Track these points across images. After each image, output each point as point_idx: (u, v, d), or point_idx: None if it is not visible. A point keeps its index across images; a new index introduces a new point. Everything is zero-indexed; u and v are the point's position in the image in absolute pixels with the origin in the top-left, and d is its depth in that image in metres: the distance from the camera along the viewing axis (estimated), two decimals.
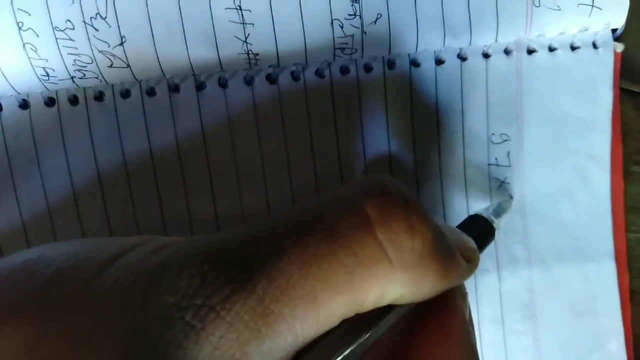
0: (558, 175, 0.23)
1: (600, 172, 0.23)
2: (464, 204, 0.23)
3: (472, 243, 0.17)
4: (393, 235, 0.13)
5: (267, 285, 0.12)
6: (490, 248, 0.23)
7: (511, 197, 0.23)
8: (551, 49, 0.22)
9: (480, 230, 0.19)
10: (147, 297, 0.12)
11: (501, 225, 0.21)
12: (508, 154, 0.23)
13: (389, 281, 0.13)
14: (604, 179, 0.23)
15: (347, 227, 0.13)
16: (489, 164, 0.23)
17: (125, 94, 0.21)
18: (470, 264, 0.16)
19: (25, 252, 0.15)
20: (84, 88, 0.20)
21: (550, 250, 0.23)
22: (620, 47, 0.22)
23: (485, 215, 0.20)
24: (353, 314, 0.13)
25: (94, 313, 0.12)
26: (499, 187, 0.23)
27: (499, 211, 0.21)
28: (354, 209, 0.13)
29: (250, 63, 0.20)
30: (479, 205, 0.23)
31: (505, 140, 0.23)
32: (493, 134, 0.23)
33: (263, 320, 0.12)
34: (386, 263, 0.13)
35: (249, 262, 0.12)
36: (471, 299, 0.23)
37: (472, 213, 0.21)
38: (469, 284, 0.23)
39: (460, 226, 0.19)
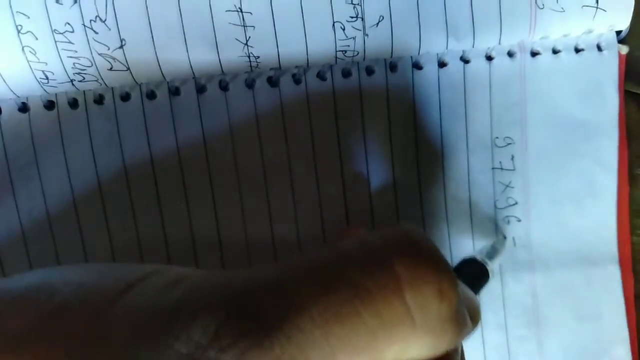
0: (563, 179, 0.22)
1: (607, 176, 0.23)
2: (467, 209, 0.23)
3: (477, 302, 0.17)
4: (421, 300, 0.12)
5: (285, 344, 0.11)
6: (492, 252, 0.23)
7: (505, 237, 0.23)
8: (555, 51, 0.22)
9: (475, 274, 0.19)
10: (159, 342, 0.11)
11: (496, 267, 0.20)
12: (512, 157, 0.22)
13: (409, 344, 0.12)
14: (611, 183, 0.23)
15: (375, 285, 0.12)
16: (493, 168, 0.23)
17: (126, 97, 0.21)
18: (474, 322, 0.15)
19: (28, 275, 0.14)
20: (84, 91, 0.20)
21: (554, 254, 0.23)
22: (624, 50, 0.22)
23: (479, 259, 0.20)
24: None
25: (101, 351, 0.11)
26: (503, 191, 0.23)
27: (493, 253, 0.21)
28: (383, 266, 0.12)
29: (251, 66, 0.20)
30: (483, 211, 0.23)
31: (510, 144, 0.22)
32: (497, 138, 0.22)
33: None
34: (410, 325, 0.12)
35: (267, 315, 0.11)
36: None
37: (465, 257, 0.20)
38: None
39: (456, 269, 0.19)
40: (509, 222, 0.23)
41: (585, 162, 0.22)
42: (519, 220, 0.23)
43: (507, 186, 0.23)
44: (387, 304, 0.12)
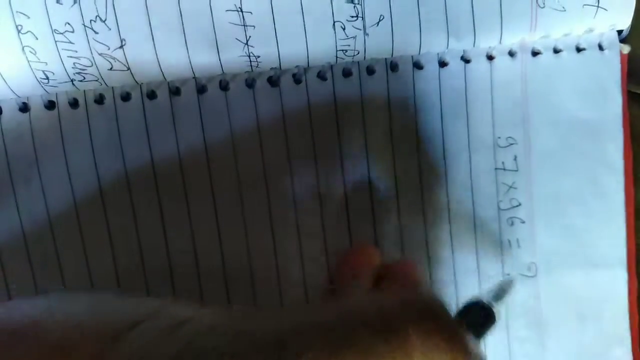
0: (567, 179, 0.22)
1: (613, 177, 0.22)
2: (471, 211, 0.23)
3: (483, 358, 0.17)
4: None
5: None
6: (495, 253, 0.23)
7: (512, 278, 0.22)
8: (556, 51, 0.22)
9: (481, 318, 0.18)
10: None
11: (502, 309, 0.20)
12: (515, 157, 0.22)
13: None
14: (617, 184, 0.22)
15: (387, 350, 0.12)
16: (495, 168, 0.22)
17: (126, 97, 0.21)
18: None
19: (28, 303, 0.14)
20: (84, 91, 0.20)
21: (558, 256, 0.23)
22: (626, 49, 0.22)
23: (486, 302, 0.19)
24: None
25: None
26: (507, 192, 0.23)
27: (500, 294, 0.21)
28: (397, 332, 0.12)
29: (251, 66, 0.20)
30: (487, 212, 0.23)
31: (512, 144, 0.22)
32: (499, 138, 0.22)
33: None
34: None
35: None
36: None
37: (471, 299, 0.20)
38: (473, 289, 0.23)
39: (461, 313, 0.19)
40: (512, 223, 0.23)
41: (589, 162, 0.22)
42: (523, 222, 0.23)
43: (511, 187, 0.23)
44: None
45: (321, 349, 0.12)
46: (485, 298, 0.20)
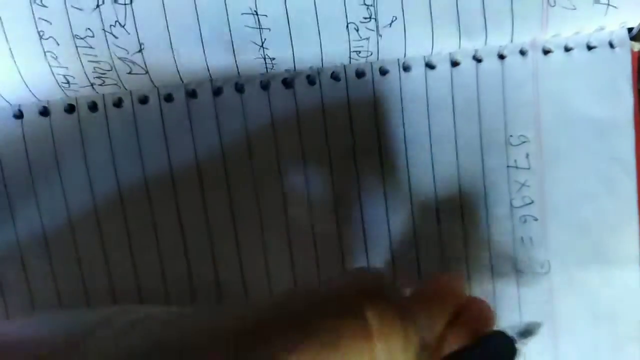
0: (580, 177, 0.22)
1: (625, 174, 0.22)
2: (484, 208, 0.23)
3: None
4: (390, 347, 0.13)
5: None
6: (508, 250, 0.23)
7: (540, 323, 0.22)
8: (567, 49, 0.22)
9: (502, 349, 0.19)
10: None
11: (524, 349, 0.20)
12: (527, 155, 0.22)
13: None
14: (630, 181, 0.22)
15: (349, 333, 0.13)
16: (508, 166, 0.23)
17: (144, 100, 0.21)
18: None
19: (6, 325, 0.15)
20: (103, 95, 0.21)
21: (571, 254, 0.23)
22: (637, 47, 0.22)
23: (509, 335, 0.20)
24: None
25: None
26: (519, 190, 0.23)
27: (526, 333, 0.21)
28: (355, 315, 0.13)
29: (266, 67, 0.20)
30: (499, 210, 0.23)
31: (524, 142, 0.22)
32: (511, 136, 0.22)
33: None
34: None
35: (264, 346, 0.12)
36: (489, 301, 0.23)
37: (496, 329, 0.20)
38: (487, 286, 0.23)
39: (483, 340, 0.18)
40: (525, 221, 0.23)
41: (601, 160, 0.22)
42: (536, 220, 0.23)
43: (523, 185, 0.23)
44: (359, 349, 0.13)
45: (291, 333, 0.13)
46: (511, 332, 0.20)
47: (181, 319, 0.14)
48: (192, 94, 0.21)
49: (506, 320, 0.23)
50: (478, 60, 0.22)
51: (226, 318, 0.14)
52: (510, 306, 0.23)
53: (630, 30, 0.22)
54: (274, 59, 0.20)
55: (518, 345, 0.19)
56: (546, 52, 0.22)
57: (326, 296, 0.14)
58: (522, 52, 0.22)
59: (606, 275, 0.23)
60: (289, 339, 0.13)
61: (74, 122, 0.21)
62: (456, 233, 0.23)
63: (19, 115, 0.21)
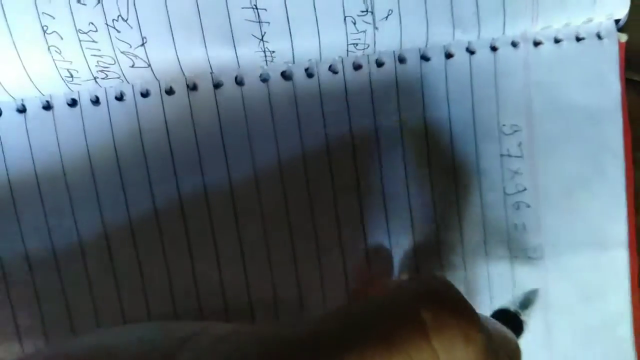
0: (571, 164, 0.23)
1: (613, 161, 0.23)
2: (478, 196, 0.23)
3: (514, 339, 0.18)
4: (448, 344, 0.13)
5: None
6: (502, 236, 0.24)
7: (537, 289, 0.23)
8: (557, 41, 0.23)
9: (509, 325, 0.19)
10: None
11: (529, 319, 0.21)
12: (520, 144, 0.23)
13: None
14: (618, 167, 0.23)
15: (405, 333, 0.13)
16: (501, 155, 0.23)
17: (145, 94, 0.21)
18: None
19: (87, 339, 0.15)
20: (105, 88, 0.21)
21: (564, 239, 0.24)
22: (624, 37, 0.23)
23: (512, 310, 0.20)
24: None
25: None
26: (512, 177, 0.23)
27: (527, 303, 0.22)
28: (410, 316, 0.14)
29: (266, 60, 0.21)
30: (493, 197, 0.23)
31: (516, 131, 0.23)
32: (504, 125, 0.23)
33: None
34: None
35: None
36: (484, 286, 0.24)
37: (499, 307, 0.21)
38: (482, 275, 0.24)
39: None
40: (518, 207, 0.24)
41: (591, 147, 0.23)
42: (529, 206, 0.24)
43: (516, 172, 0.23)
44: (417, 349, 0.13)
45: (352, 338, 0.13)
46: (513, 307, 0.21)
47: (264, 333, 0.14)
48: (193, 87, 0.22)
49: (500, 304, 0.24)
50: (471, 52, 0.22)
51: (297, 330, 0.14)
52: (504, 290, 0.24)
53: (617, 21, 0.23)
54: (273, 52, 0.21)
55: (523, 317, 0.20)
56: (537, 43, 0.23)
57: (382, 304, 0.14)
58: (514, 44, 0.23)
59: (596, 258, 0.24)
60: (348, 344, 0.13)
61: (77, 116, 0.21)
62: (451, 220, 0.23)
63: (22, 109, 0.21)
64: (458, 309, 0.14)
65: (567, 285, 0.24)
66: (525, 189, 0.24)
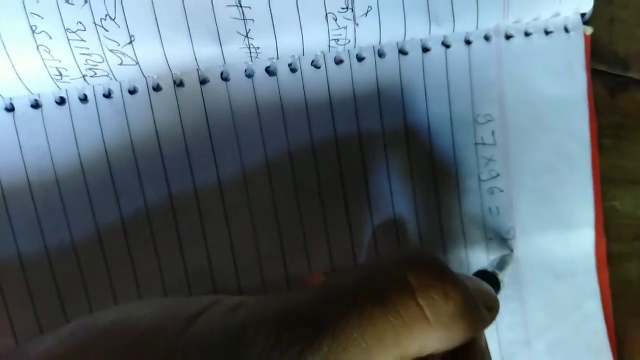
0: (540, 151, 0.25)
1: (580, 147, 0.25)
2: (455, 182, 0.25)
3: (492, 292, 0.20)
4: (431, 301, 0.15)
5: (331, 343, 0.14)
6: (478, 219, 0.25)
7: (512, 250, 0.25)
8: (527, 34, 0.24)
9: (488, 283, 0.21)
10: (231, 354, 0.14)
11: (505, 278, 0.23)
12: (493, 132, 0.24)
13: (428, 338, 0.15)
14: (585, 153, 0.25)
15: (395, 293, 0.15)
16: (475, 143, 0.25)
17: (133, 91, 0.22)
18: (492, 312, 0.18)
19: (109, 312, 0.17)
20: (93, 86, 0.21)
21: (534, 221, 0.25)
22: (589, 30, 0.24)
23: (490, 270, 0.22)
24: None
25: None
26: (486, 164, 0.25)
27: (502, 264, 0.24)
28: (399, 279, 0.15)
29: (251, 56, 0.22)
30: (469, 183, 0.25)
31: (490, 121, 0.24)
32: (478, 115, 0.24)
33: None
34: (425, 322, 0.15)
35: (316, 322, 0.14)
36: (463, 269, 0.25)
37: (478, 269, 0.23)
38: (460, 256, 0.25)
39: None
40: (492, 192, 0.25)
41: (559, 134, 0.25)
42: (502, 191, 0.25)
43: (490, 160, 0.25)
44: (405, 306, 0.15)
45: (351, 299, 0.15)
46: (490, 267, 0.22)
47: (272, 300, 0.16)
48: (179, 83, 0.22)
49: None
50: (447, 45, 0.24)
51: (302, 299, 0.16)
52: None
53: (583, 15, 0.24)
54: (258, 48, 0.21)
55: (500, 277, 0.21)
56: (508, 37, 0.24)
57: (373, 271, 0.16)
58: (487, 38, 0.24)
59: (565, 239, 0.26)
60: (347, 304, 0.15)
61: (65, 114, 0.22)
62: (431, 206, 0.25)
63: (10, 108, 0.21)
64: (438, 271, 0.16)
65: (539, 263, 0.26)
66: (498, 175, 0.25)
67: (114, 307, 0.17)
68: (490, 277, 0.22)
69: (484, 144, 0.25)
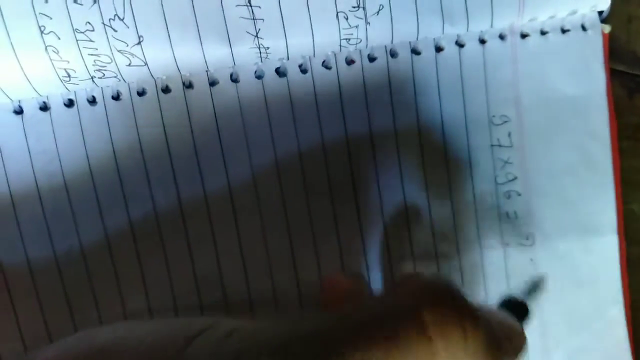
0: (559, 153, 0.24)
1: (601, 149, 0.24)
2: (470, 186, 0.24)
3: (517, 327, 0.18)
4: (446, 339, 0.14)
5: None
6: (494, 225, 0.24)
7: (544, 275, 0.24)
8: (543, 33, 0.23)
9: (515, 312, 0.20)
10: None
11: (535, 304, 0.21)
12: (509, 134, 0.24)
13: None
14: (605, 155, 0.24)
15: (406, 330, 0.14)
16: (491, 145, 0.24)
17: (142, 93, 0.22)
18: (517, 348, 0.17)
19: (101, 332, 0.16)
20: (102, 88, 0.21)
21: (554, 226, 0.24)
22: (607, 29, 0.24)
23: (519, 298, 0.21)
24: None
25: None
26: (503, 167, 0.24)
27: (533, 290, 0.22)
28: (414, 318, 0.14)
29: (261, 57, 0.21)
30: (485, 186, 0.24)
31: (506, 122, 0.24)
32: (494, 116, 0.24)
33: None
34: None
35: (324, 351, 0.13)
36: (479, 274, 0.24)
37: (507, 296, 0.21)
38: (475, 263, 0.24)
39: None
40: (509, 196, 0.24)
41: (578, 135, 0.24)
42: (519, 194, 0.24)
43: (506, 162, 0.24)
44: (417, 343, 0.14)
45: (357, 336, 0.14)
46: (519, 294, 0.21)
47: (272, 327, 0.15)
48: (189, 85, 0.22)
49: (494, 291, 0.24)
50: (460, 45, 0.23)
51: (306, 326, 0.15)
52: (497, 277, 0.24)
53: (600, 13, 0.24)
54: (268, 48, 0.21)
55: (529, 303, 0.20)
56: (524, 35, 0.23)
57: (387, 304, 0.16)
58: (502, 37, 0.23)
59: (586, 244, 0.25)
60: (353, 342, 0.14)
61: (74, 116, 0.21)
62: (445, 210, 0.24)
63: (19, 111, 0.21)
64: (456, 306, 0.15)
65: (559, 270, 0.25)
66: (515, 178, 0.24)
67: (119, 323, 0.17)
68: (519, 306, 0.21)
69: (500, 145, 0.24)
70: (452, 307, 0.15)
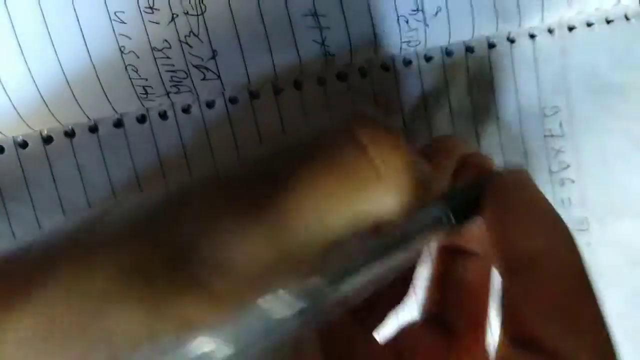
0: (609, 139, 0.25)
1: None
2: None
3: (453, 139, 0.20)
4: (381, 152, 0.15)
5: (293, 198, 0.14)
6: None
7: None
8: (589, 24, 0.24)
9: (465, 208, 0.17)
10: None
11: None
12: (560, 124, 0.25)
13: (380, 197, 0.15)
14: None
15: (345, 149, 0.15)
16: (544, 136, 0.25)
17: (211, 104, 0.22)
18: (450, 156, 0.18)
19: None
20: (173, 102, 0.22)
21: (608, 210, 0.25)
22: None
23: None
24: (363, 229, 0.15)
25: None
26: (556, 156, 0.25)
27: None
28: (349, 136, 0.15)
29: (327, 64, 0.22)
30: (539, 175, 0.25)
31: (557, 112, 0.25)
32: (545, 107, 0.25)
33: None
34: (376, 176, 0.15)
35: (273, 176, 0.14)
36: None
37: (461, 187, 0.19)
38: None
39: (482, 179, 0.18)
40: (563, 183, 0.25)
41: (627, 121, 0.25)
42: (573, 182, 0.25)
43: (559, 151, 0.25)
44: (356, 159, 0.15)
45: (299, 158, 0.15)
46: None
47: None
48: (255, 95, 0.22)
49: None
50: (511, 41, 0.24)
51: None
52: None
53: None
54: (333, 55, 0.22)
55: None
56: (571, 28, 0.24)
57: (322, 130, 0.16)
58: (550, 31, 0.24)
59: (638, 225, 0.26)
60: (297, 162, 0.14)
61: (147, 132, 0.22)
62: None
63: (94, 128, 0.22)
64: (386, 128, 0.16)
65: (614, 252, 0.26)
66: (568, 166, 0.25)
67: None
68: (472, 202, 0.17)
69: (552, 135, 0.25)
70: (382, 125, 0.16)
